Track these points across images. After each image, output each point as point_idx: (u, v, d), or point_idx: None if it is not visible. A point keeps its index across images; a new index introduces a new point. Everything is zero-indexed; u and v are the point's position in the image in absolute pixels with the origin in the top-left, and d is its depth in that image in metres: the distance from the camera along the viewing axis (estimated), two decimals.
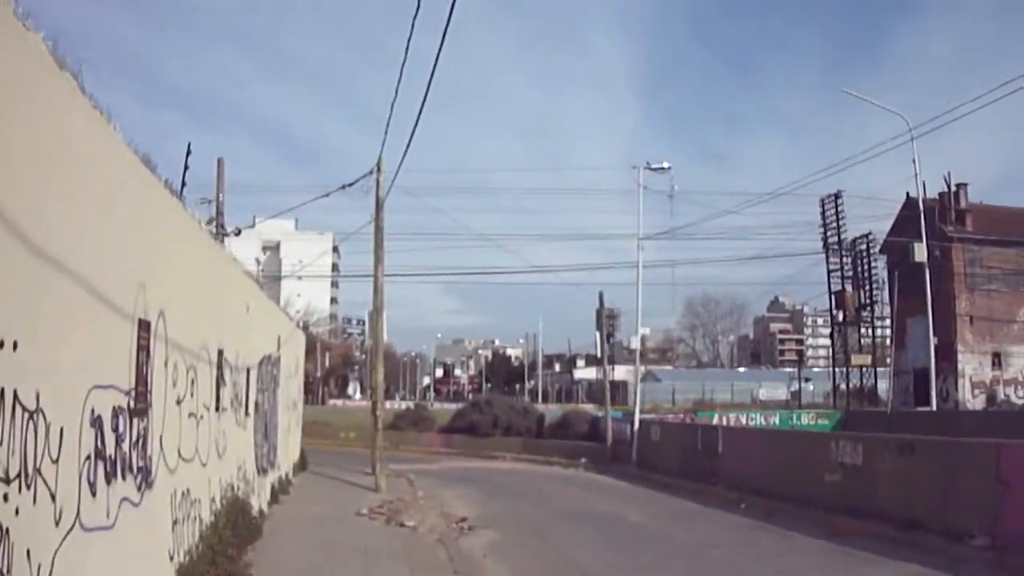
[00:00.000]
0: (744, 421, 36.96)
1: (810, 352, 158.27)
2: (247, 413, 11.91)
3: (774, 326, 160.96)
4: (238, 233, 24.55)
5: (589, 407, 66.75)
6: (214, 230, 23.68)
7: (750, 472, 18.74)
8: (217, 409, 9.54)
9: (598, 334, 28.05)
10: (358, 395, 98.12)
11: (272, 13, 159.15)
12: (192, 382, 8.12)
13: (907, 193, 46.17)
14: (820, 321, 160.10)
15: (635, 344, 27.08)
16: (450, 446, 33.36)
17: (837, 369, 54.46)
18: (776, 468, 17.82)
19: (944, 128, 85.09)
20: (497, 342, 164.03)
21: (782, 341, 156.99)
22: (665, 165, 26.78)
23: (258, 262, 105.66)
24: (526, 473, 25.52)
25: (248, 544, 10.44)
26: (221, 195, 24.01)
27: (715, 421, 35.74)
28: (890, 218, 48.76)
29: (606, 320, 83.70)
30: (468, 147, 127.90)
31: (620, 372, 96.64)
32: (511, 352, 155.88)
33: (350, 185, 22.03)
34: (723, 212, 50.64)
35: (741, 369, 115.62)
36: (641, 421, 26.45)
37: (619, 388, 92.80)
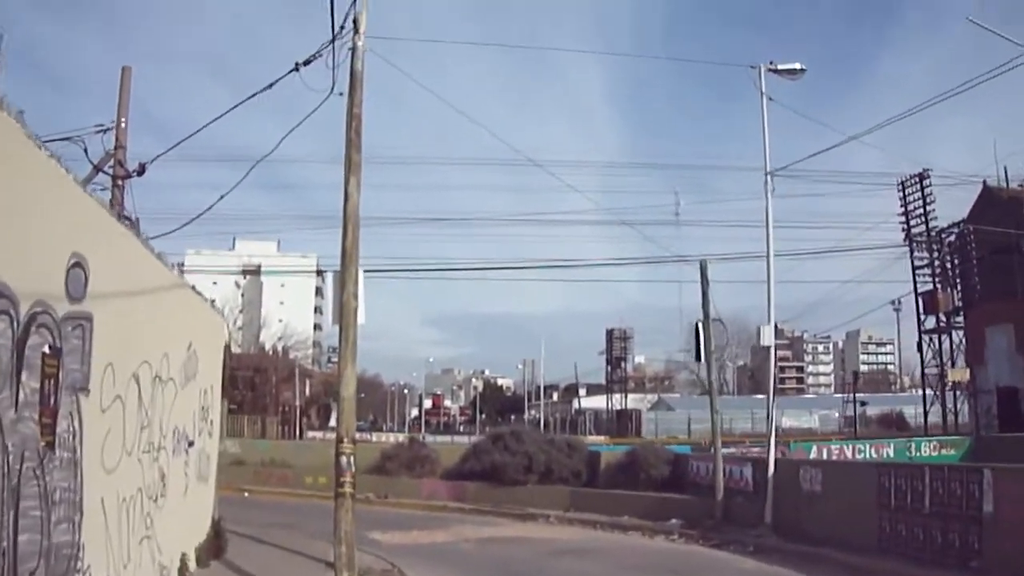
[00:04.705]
0: (850, 454, 27.87)
1: (810, 380, 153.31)
2: None
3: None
4: (141, 172, 16.14)
5: (599, 439, 57.05)
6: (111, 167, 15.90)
7: None
8: None
9: (700, 331, 18.25)
10: None
11: None
12: None
13: (984, 181, 39.43)
14: (820, 348, 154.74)
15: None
16: (462, 499, 23.18)
17: (928, 390, 44.73)
18: None
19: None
20: (487, 372, 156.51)
21: (782, 369, 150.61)
22: (797, 66, 17.39)
23: (238, 285, 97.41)
24: (597, 552, 15.45)
25: None
26: (123, 119, 15.76)
27: (812, 455, 26.73)
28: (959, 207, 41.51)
29: (616, 341, 74.10)
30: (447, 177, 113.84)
31: (629, 400, 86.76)
32: (502, 382, 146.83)
33: (306, 63, 12.69)
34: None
35: (759, 396, 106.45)
36: (778, 462, 16.51)
37: (630, 418, 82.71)
